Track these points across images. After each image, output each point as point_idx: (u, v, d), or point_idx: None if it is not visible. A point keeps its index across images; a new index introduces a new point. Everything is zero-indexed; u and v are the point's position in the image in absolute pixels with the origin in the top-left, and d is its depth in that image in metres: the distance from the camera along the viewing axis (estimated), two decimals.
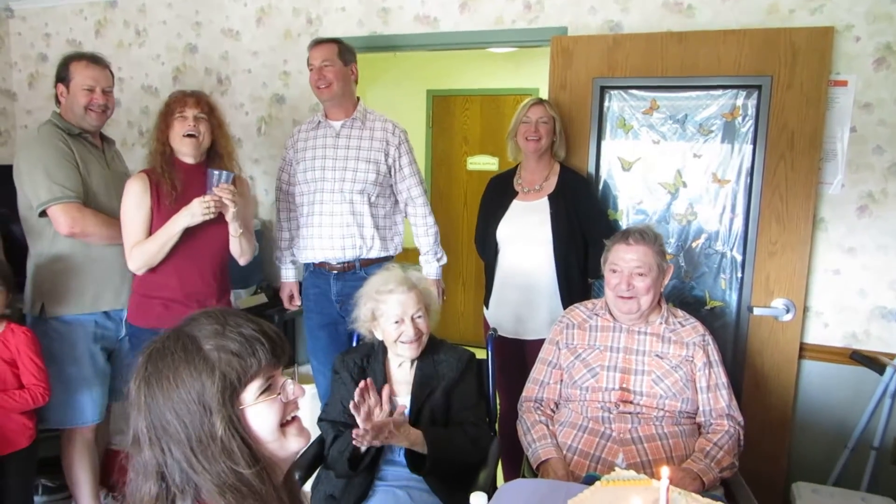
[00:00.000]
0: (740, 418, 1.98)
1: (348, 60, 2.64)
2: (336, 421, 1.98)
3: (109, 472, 2.81)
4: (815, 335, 2.69)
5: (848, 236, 2.60)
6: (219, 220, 2.30)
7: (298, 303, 2.86)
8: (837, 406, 2.68)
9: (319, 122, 2.70)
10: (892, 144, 2.50)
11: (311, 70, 2.62)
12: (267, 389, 1.03)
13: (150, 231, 2.28)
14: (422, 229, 2.74)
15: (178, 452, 0.96)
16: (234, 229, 2.33)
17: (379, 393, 1.81)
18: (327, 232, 2.62)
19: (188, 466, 0.96)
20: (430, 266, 2.76)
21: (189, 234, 2.27)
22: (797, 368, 2.67)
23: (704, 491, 1.76)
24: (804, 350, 2.68)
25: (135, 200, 2.27)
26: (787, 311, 2.63)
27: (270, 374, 1.04)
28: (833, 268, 2.63)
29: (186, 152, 2.31)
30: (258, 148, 3.53)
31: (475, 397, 2.07)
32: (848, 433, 2.60)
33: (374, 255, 2.65)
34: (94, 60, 2.50)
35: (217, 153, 2.37)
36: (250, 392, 1.01)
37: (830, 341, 2.67)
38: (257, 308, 3.21)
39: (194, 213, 2.22)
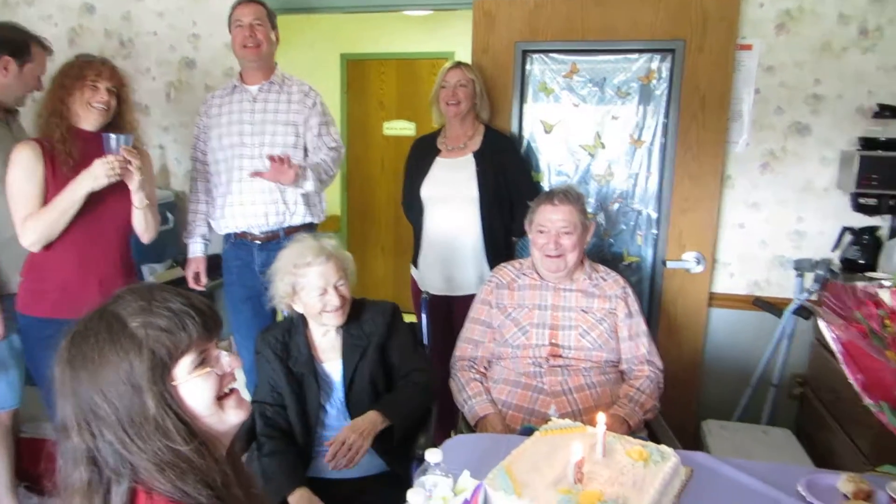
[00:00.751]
0: (660, 363, 2.12)
1: (274, 24, 2.58)
2: (264, 402, 1.97)
3: (23, 462, 2.66)
4: (722, 284, 2.88)
5: (752, 192, 2.78)
6: (121, 193, 2.15)
7: (205, 282, 2.75)
8: (741, 349, 2.89)
9: (235, 86, 2.60)
10: (792, 105, 2.68)
11: (237, 27, 2.50)
12: (200, 364, 1.00)
13: (45, 203, 2.09)
14: (323, 155, 2.58)
15: (110, 435, 0.93)
16: (138, 200, 2.16)
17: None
18: (248, 198, 2.54)
19: (122, 448, 0.93)
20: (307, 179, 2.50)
21: (88, 207, 2.09)
22: (706, 316, 2.87)
23: (631, 433, 1.88)
24: (712, 298, 2.87)
25: (25, 170, 2.07)
26: (698, 264, 2.80)
27: (203, 347, 1.01)
28: (738, 222, 2.82)
29: (91, 121, 2.14)
30: (168, 115, 3.37)
31: (410, 346, 2.08)
32: (751, 373, 2.83)
33: (297, 221, 2.60)
34: None
35: (118, 125, 2.19)
36: (182, 367, 0.98)
37: (735, 290, 2.87)
38: (175, 282, 3.10)
39: (97, 174, 2.03)
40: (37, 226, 2.07)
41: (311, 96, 2.61)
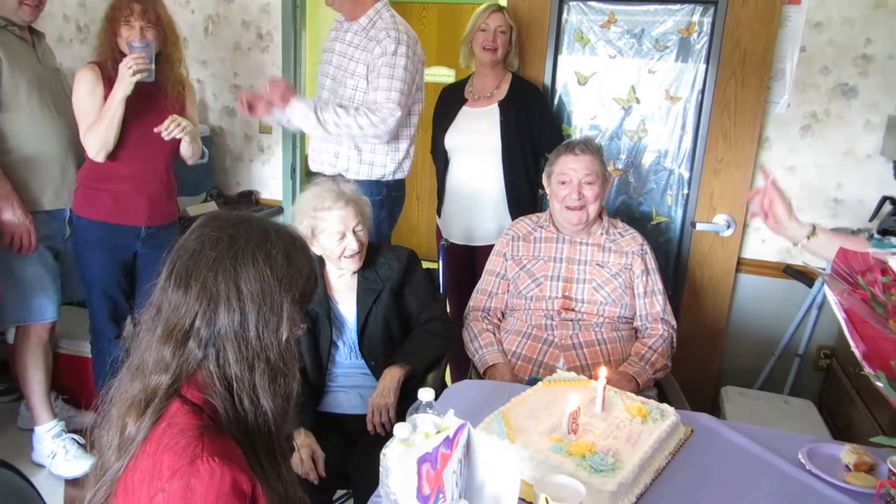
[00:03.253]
0: (673, 322, 2.10)
1: None
2: None
3: (57, 375, 2.81)
4: (752, 250, 2.81)
5: (790, 155, 2.68)
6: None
7: None
8: (768, 317, 2.84)
9: (342, 23, 2.45)
10: (838, 65, 2.55)
11: None
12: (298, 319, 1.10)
13: None
14: (350, 112, 2.28)
15: (224, 320, 0.98)
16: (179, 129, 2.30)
17: None
18: (316, 144, 2.51)
19: (236, 332, 0.99)
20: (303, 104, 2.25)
21: (139, 130, 2.30)
22: (733, 281, 2.81)
23: (639, 391, 1.88)
24: (741, 264, 2.81)
25: (88, 88, 2.28)
26: (728, 227, 2.73)
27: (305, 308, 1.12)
28: None
29: None
30: (205, 49, 3.39)
31: (428, 293, 2.11)
32: (776, 342, 2.78)
33: (378, 175, 2.42)
34: None
35: (166, 58, 2.35)
36: (297, 312, 1.07)
37: (766, 256, 2.80)
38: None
39: (122, 76, 2.20)
40: (95, 135, 2.27)
41: (390, 42, 2.28)
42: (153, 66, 2.25)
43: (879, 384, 1.01)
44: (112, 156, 2.31)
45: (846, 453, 1.46)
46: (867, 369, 1.03)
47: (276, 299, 1.01)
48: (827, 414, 2.57)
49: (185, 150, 2.42)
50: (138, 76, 2.20)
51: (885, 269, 1.02)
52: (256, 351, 0.99)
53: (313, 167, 2.56)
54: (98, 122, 2.26)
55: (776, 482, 1.39)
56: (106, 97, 2.27)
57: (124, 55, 2.25)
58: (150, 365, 1.00)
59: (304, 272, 1.07)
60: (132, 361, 1.04)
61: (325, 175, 2.44)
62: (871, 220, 2.59)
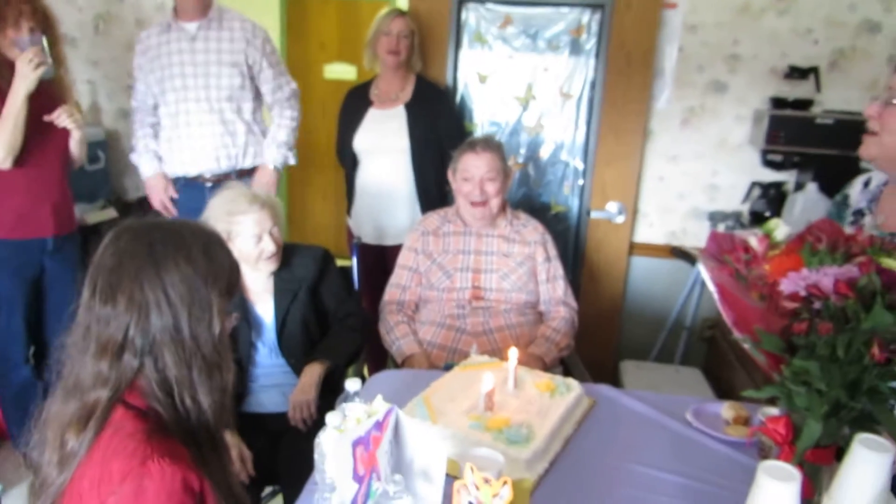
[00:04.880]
0: (574, 304, 2.26)
1: None
2: None
3: None
4: (643, 234, 3.05)
5: (672, 146, 2.93)
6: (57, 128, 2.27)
7: (174, 210, 2.66)
8: (658, 294, 3.09)
9: (170, 24, 2.52)
10: (711, 64, 2.82)
11: None
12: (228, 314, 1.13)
13: None
14: (284, 122, 2.64)
15: (157, 324, 1.02)
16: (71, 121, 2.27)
17: None
18: (198, 143, 2.53)
19: (169, 334, 1.02)
20: (279, 154, 2.62)
21: (32, 138, 2.22)
22: (627, 263, 3.04)
23: (547, 369, 2.03)
24: (633, 247, 3.04)
25: None
26: (620, 214, 2.95)
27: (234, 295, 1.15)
28: (658, 174, 2.97)
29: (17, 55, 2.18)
30: (97, 48, 3.28)
31: (343, 290, 2.17)
32: (666, 317, 3.03)
33: (248, 163, 2.62)
34: None
35: (54, 58, 2.25)
36: (225, 304, 1.11)
37: (654, 239, 3.05)
38: (109, 223, 3.08)
39: (24, 73, 2.14)
40: (1, 141, 2.17)
41: (258, 35, 2.55)
42: (50, 61, 2.18)
43: (746, 346, 1.17)
44: (4, 171, 2.20)
45: (726, 409, 1.66)
46: (737, 334, 1.19)
47: (203, 296, 1.05)
48: (712, 379, 2.84)
49: (75, 147, 2.35)
50: (40, 70, 2.13)
51: (746, 248, 1.19)
52: (192, 350, 1.03)
53: (194, 170, 2.58)
54: (1, 124, 2.16)
55: (668, 440, 1.57)
56: None
57: (7, 60, 2.17)
58: (87, 382, 1.01)
59: (226, 265, 1.11)
60: (66, 382, 1.04)
61: (213, 174, 2.57)
62: (742, 202, 2.88)
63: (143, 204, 3.30)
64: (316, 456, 1.20)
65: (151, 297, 1.02)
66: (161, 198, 2.65)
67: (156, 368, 1.02)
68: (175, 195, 2.65)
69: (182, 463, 0.95)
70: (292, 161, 2.69)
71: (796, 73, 2.63)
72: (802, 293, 1.01)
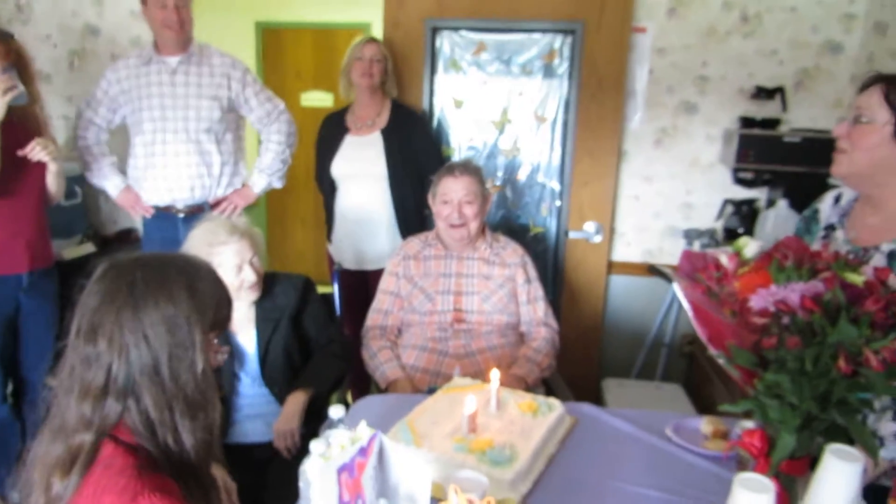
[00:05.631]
0: (555, 324, 2.29)
1: None
2: None
3: None
4: (620, 253, 3.10)
5: (646, 166, 2.99)
6: (37, 163, 2.26)
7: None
8: (638, 312, 3.13)
9: (151, 57, 2.56)
10: (681, 85, 2.89)
11: (159, 7, 2.45)
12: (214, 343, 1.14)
13: None
14: (271, 146, 2.71)
15: (137, 365, 1.02)
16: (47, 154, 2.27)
17: None
18: (173, 173, 2.56)
19: (144, 376, 1.02)
20: (262, 179, 2.72)
21: (9, 174, 2.20)
22: (605, 282, 3.08)
23: (529, 389, 2.04)
24: (611, 266, 3.08)
25: None
26: (597, 233, 3.00)
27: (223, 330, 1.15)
28: (634, 194, 3.03)
29: None
30: (72, 84, 3.27)
31: (325, 317, 2.18)
32: (646, 334, 3.07)
33: (220, 193, 2.66)
34: None
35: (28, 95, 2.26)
36: (211, 338, 1.11)
37: (631, 258, 3.09)
38: (86, 258, 3.05)
39: None
40: None
41: (238, 68, 2.61)
42: (21, 87, 2.18)
43: (721, 361, 1.20)
44: None
45: (705, 424, 1.69)
46: (711, 350, 1.22)
47: (185, 336, 1.04)
48: (693, 394, 2.87)
49: (52, 182, 2.35)
50: (9, 95, 2.14)
51: (717, 265, 1.23)
52: (173, 392, 1.03)
53: (167, 199, 2.61)
54: None
55: (649, 455, 1.59)
56: None
57: None
58: (72, 424, 1.01)
59: (213, 300, 1.10)
60: (51, 423, 1.04)
61: (185, 205, 2.61)
62: (716, 220, 2.94)
63: (122, 237, 3.30)
64: (301, 484, 1.20)
65: (131, 339, 1.02)
66: (132, 205, 2.67)
67: (138, 410, 1.02)
68: (149, 211, 2.67)
69: (172, 497, 0.96)
70: (277, 184, 2.77)
71: (763, 93, 2.71)
72: (771, 309, 1.05)
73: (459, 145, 3.03)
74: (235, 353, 2.03)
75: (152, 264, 1.08)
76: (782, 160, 2.65)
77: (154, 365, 1.02)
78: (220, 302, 1.12)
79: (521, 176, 3.04)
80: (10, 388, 2.46)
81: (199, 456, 1.07)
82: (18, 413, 2.47)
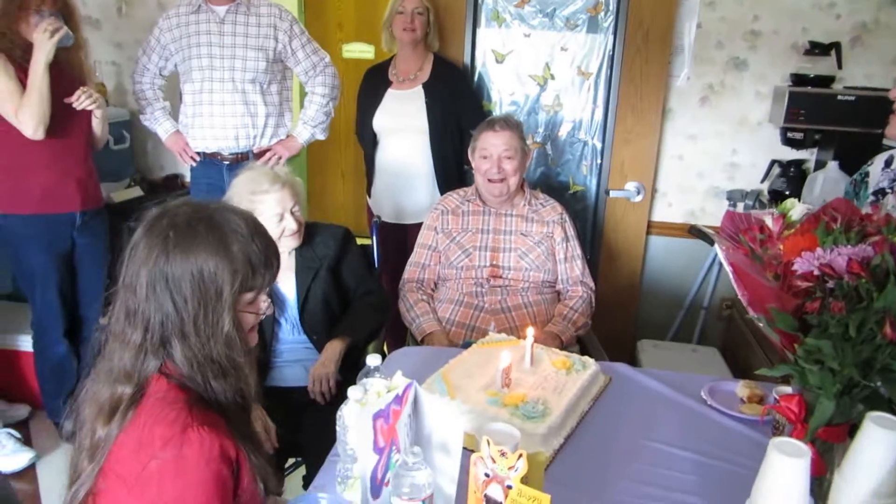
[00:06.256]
0: (592, 284, 2.28)
1: None
2: None
3: None
4: (660, 213, 3.04)
5: (691, 124, 2.91)
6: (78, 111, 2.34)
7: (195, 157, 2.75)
8: (676, 274, 3.09)
9: (200, 5, 2.58)
10: (731, 40, 2.78)
11: None
12: (253, 302, 1.14)
13: None
14: (315, 98, 2.74)
15: (173, 317, 1.03)
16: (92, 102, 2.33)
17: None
18: (219, 122, 2.61)
19: (176, 331, 1.04)
20: (306, 131, 2.77)
21: (56, 118, 2.27)
22: (645, 243, 3.04)
23: (563, 347, 2.05)
24: (651, 227, 3.04)
25: (1, 72, 2.22)
26: (638, 193, 2.95)
27: (262, 290, 1.15)
28: (678, 153, 2.96)
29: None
30: (120, 31, 3.31)
31: (364, 268, 2.21)
32: (684, 296, 3.03)
33: (265, 143, 2.70)
34: None
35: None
36: (246, 298, 1.11)
37: (672, 218, 3.04)
38: (134, 201, 3.13)
39: (41, 42, 2.19)
40: (29, 110, 2.22)
41: (285, 19, 2.62)
42: (67, 29, 2.23)
43: (761, 324, 1.19)
44: (32, 143, 2.26)
45: (741, 388, 1.68)
46: (752, 313, 1.20)
47: (211, 294, 1.04)
48: (730, 358, 2.85)
49: (97, 126, 2.43)
50: (56, 36, 2.19)
51: (762, 227, 1.20)
52: (200, 351, 1.05)
53: (213, 147, 2.67)
54: (27, 96, 2.21)
55: (682, 417, 1.59)
56: (20, 78, 2.23)
57: (28, 44, 2.22)
58: (114, 373, 1.05)
59: (247, 259, 1.07)
60: (102, 366, 1.08)
61: (231, 153, 2.66)
62: (762, 181, 2.86)
63: (168, 183, 3.37)
64: (338, 428, 1.24)
65: (164, 294, 1.03)
66: (180, 149, 2.74)
67: (174, 363, 1.05)
68: (195, 157, 2.73)
69: (220, 431, 1.00)
70: (320, 136, 2.80)
71: (817, 48, 2.59)
72: (816, 272, 1.03)
73: (500, 100, 2.98)
74: (276, 301, 2.08)
75: (188, 219, 1.07)
76: (835, 120, 2.55)
77: (181, 322, 1.04)
78: (257, 262, 1.09)
79: (562, 133, 2.99)
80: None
81: (237, 405, 1.10)
82: (76, 350, 2.59)
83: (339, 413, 1.21)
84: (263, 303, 1.17)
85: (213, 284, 1.04)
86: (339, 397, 2.02)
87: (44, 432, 2.66)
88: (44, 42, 2.18)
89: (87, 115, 2.39)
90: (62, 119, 2.30)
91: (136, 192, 3.20)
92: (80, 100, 2.30)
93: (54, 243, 2.41)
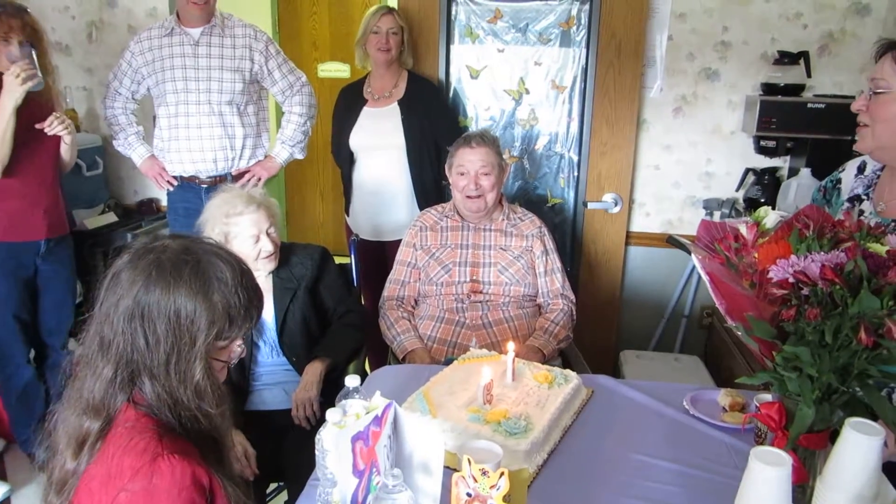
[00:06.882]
0: (572, 296, 2.28)
1: None
2: None
3: None
4: (639, 223, 3.06)
5: (665, 135, 2.94)
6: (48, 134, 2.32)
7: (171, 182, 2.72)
8: (656, 284, 3.10)
9: (173, 28, 2.57)
10: (702, 51, 2.82)
11: None
12: (224, 348, 1.11)
13: None
14: (293, 118, 2.74)
15: (144, 353, 1.01)
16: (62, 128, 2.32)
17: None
18: (196, 145, 2.59)
19: (147, 368, 1.01)
20: (284, 150, 2.77)
21: (24, 145, 2.26)
22: (624, 253, 3.05)
23: (545, 361, 2.04)
24: (630, 237, 3.05)
25: None
26: (616, 204, 2.96)
27: (237, 339, 1.12)
28: (653, 163, 2.98)
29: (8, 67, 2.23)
30: (91, 56, 3.28)
31: (342, 287, 2.20)
32: (665, 306, 3.05)
33: (243, 164, 2.69)
34: None
35: (43, 69, 2.29)
36: (218, 345, 1.09)
37: (651, 228, 3.06)
38: (107, 228, 3.09)
39: (10, 87, 2.17)
40: None
41: (260, 40, 2.62)
42: (39, 74, 2.21)
43: (739, 333, 1.19)
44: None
45: (722, 397, 1.68)
46: (730, 322, 1.20)
47: (185, 342, 1.02)
48: (712, 366, 2.86)
49: (65, 152, 2.41)
50: (28, 84, 2.17)
51: (736, 236, 1.21)
52: (170, 393, 1.03)
53: (191, 170, 2.65)
54: None
55: (665, 428, 1.59)
56: None
57: None
58: (84, 403, 1.03)
59: (225, 310, 1.05)
60: (73, 393, 1.06)
61: (209, 176, 2.64)
62: (737, 190, 2.89)
63: (143, 207, 3.33)
64: (317, 452, 1.21)
65: (138, 332, 1.01)
66: (156, 174, 2.70)
67: (144, 394, 1.03)
68: (172, 181, 2.70)
69: (192, 459, 0.97)
70: (299, 155, 2.81)
71: (786, 58, 2.63)
72: (791, 280, 1.03)
73: (476, 116, 2.99)
74: None
75: (176, 257, 1.05)
76: (806, 127, 2.58)
77: (151, 361, 1.02)
78: (235, 315, 1.07)
79: (539, 146, 3.00)
80: (32, 352, 2.53)
81: (210, 439, 1.08)
82: (41, 376, 2.56)
83: (317, 436, 1.19)
84: (238, 348, 1.14)
85: (187, 331, 1.02)
86: (323, 420, 2.00)
87: (18, 465, 2.60)
88: (14, 87, 2.17)
89: (55, 141, 2.37)
90: (31, 149, 2.29)
91: (111, 217, 3.16)
92: (53, 126, 2.29)
93: (18, 271, 2.38)
